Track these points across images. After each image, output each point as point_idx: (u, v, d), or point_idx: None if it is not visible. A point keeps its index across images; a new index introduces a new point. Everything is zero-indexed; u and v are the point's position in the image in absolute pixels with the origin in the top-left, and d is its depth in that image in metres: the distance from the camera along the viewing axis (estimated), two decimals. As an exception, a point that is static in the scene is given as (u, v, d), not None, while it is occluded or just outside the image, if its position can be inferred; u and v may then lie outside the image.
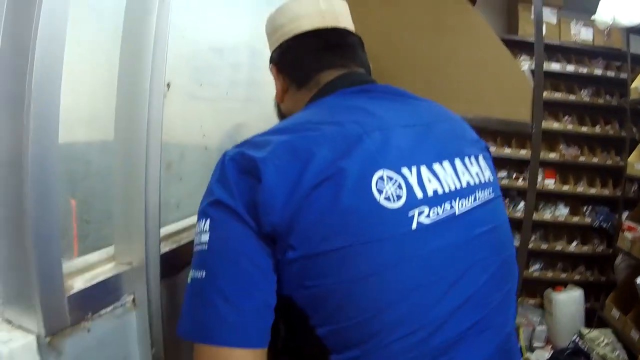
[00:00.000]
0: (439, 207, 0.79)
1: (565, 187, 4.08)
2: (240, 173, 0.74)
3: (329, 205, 0.71)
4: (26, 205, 0.65)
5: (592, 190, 4.09)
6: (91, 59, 0.94)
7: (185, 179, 1.24)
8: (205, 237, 0.74)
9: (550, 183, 4.12)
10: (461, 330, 0.77)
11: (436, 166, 0.82)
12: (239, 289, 0.71)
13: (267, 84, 1.13)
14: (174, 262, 1.03)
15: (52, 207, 0.68)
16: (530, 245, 4.09)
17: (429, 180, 0.79)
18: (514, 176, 4.15)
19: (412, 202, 0.76)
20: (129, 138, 0.86)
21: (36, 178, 0.65)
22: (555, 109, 4.12)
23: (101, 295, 0.83)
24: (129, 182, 0.87)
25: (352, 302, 0.72)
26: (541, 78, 2.04)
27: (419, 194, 0.77)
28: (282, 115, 1.10)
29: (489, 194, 0.91)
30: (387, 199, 0.74)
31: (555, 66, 4.02)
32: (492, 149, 4.07)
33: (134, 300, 0.90)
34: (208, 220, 0.74)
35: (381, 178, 0.74)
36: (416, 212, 0.76)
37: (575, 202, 4.23)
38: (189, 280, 0.76)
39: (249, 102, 1.64)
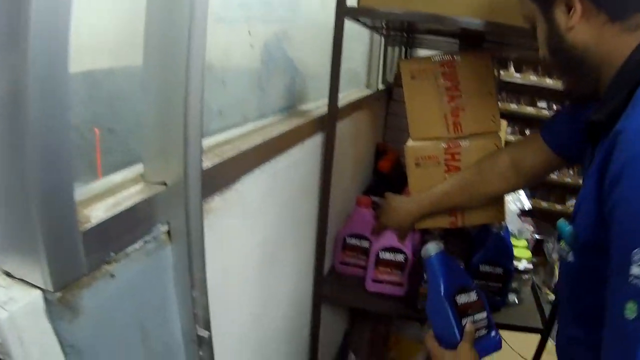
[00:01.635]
0: None
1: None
2: None
3: None
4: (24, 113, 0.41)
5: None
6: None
7: (229, 83, 0.99)
8: None
9: None
10: None
11: None
12: None
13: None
14: (217, 180, 0.80)
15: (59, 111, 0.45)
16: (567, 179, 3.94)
17: None
18: (554, 107, 3.94)
19: None
20: (166, 29, 0.60)
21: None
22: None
23: (127, 227, 0.60)
24: (165, 80, 0.63)
25: None
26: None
27: None
28: (564, 49, 0.79)
29: None
30: None
31: None
32: (533, 77, 3.81)
33: (169, 231, 0.68)
34: None
35: None
36: None
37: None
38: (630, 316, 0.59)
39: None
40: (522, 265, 1.59)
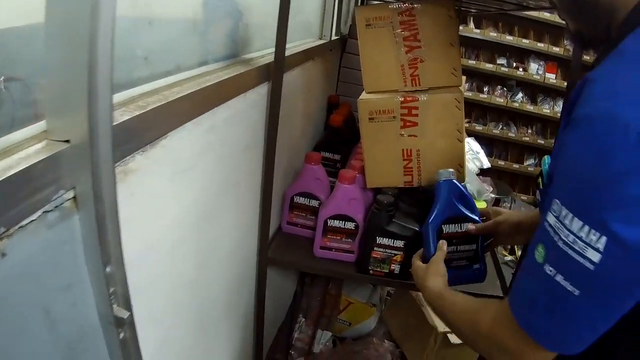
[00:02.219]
0: None
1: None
2: None
3: None
4: None
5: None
6: None
7: (157, 24, 0.86)
8: (595, 257, 0.58)
9: (551, 77, 3.84)
10: None
11: None
12: (608, 319, 0.61)
13: None
14: (138, 136, 0.69)
15: None
16: (526, 138, 3.95)
17: None
18: (513, 65, 3.88)
19: None
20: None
21: None
22: None
23: (21, 195, 0.49)
24: (67, 16, 0.50)
25: None
26: None
27: None
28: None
29: None
30: None
31: None
32: (493, 34, 3.74)
33: (75, 197, 0.57)
34: (606, 241, 0.57)
35: None
36: None
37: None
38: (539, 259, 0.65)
39: None
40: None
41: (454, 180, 1.25)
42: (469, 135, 3.99)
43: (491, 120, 4.07)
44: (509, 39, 3.77)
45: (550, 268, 0.62)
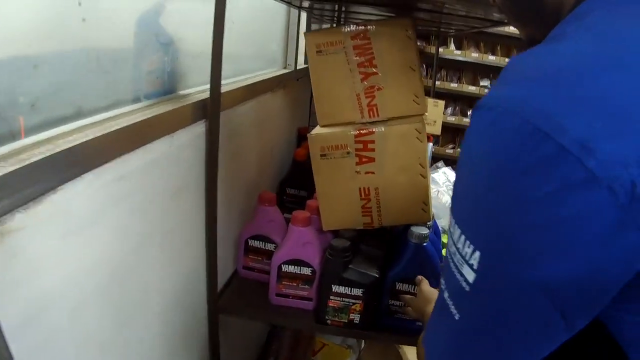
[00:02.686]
0: None
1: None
2: None
3: None
4: None
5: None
6: None
7: (42, 66, 0.75)
8: (470, 276, 0.47)
9: None
10: None
11: None
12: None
13: None
14: (15, 193, 0.60)
15: None
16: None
17: None
18: None
19: None
20: None
21: None
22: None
23: None
24: None
25: None
26: None
27: None
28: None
29: None
30: None
31: None
32: (475, 54, 3.74)
33: None
34: (479, 257, 0.46)
35: None
36: None
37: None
38: None
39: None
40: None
41: (425, 245, 1.18)
42: (453, 161, 3.91)
43: (478, 145, 3.96)
44: (491, 58, 3.71)
45: (442, 281, 0.53)
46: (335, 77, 1.24)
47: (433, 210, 1.35)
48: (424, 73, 3.78)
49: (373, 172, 1.22)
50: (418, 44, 1.43)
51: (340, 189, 1.25)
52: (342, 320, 1.26)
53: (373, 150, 1.21)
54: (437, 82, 3.67)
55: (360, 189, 1.24)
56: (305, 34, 1.26)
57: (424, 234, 1.19)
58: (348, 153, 1.21)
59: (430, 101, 2.38)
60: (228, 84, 1.35)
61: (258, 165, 1.66)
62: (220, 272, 1.30)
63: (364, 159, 1.21)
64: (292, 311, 1.32)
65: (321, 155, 1.23)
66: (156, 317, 1.05)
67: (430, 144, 2.33)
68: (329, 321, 1.27)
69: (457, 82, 3.80)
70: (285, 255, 1.28)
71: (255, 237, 1.40)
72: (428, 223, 1.26)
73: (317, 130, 1.25)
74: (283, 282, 1.30)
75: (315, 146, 1.23)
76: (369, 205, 1.25)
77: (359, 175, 1.23)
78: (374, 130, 1.20)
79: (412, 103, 1.24)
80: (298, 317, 1.32)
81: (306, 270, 1.28)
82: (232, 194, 1.38)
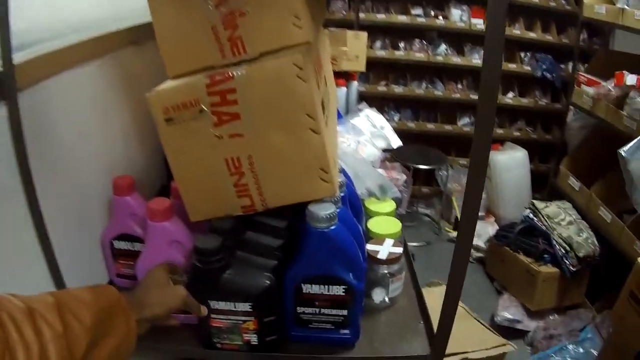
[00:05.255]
0: None
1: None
2: None
3: None
4: None
5: (531, 35, 3.34)
6: None
7: None
8: None
9: (478, 23, 3.31)
10: None
11: None
12: None
13: None
14: None
15: None
16: (456, 95, 3.47)
17: None
18: (432, 14, 3.36)
19: None
20: None
21: None
22: None
23: None
24: None
25: None
26: None
27: None
28: None
29: None
30: None
31: None
32: None
33: None
34: None
35: None
36: None
37: (511, 46, 3.46)
38: None
39: None
40: (384, 248, 1.05)
41: (333, 229, 0.83)
42: (387, 100, 3.47)
43: (412, 80, 3.55)
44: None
45: None
46: (181, 5, 0.84)
47: (341, 176, 0.97)
48: (344, 3, 3.30)
49: (241, 135, 0.84)
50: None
51: (200, 164, 0.87)
52: (235, 343, 0.91)
53: (235, 102, 0.81)
54: (362, 15, 3.29)
55: (227, 160, 0.86)
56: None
57: (329, 214, 0.82)
58: (201, 112, 0.82)
59: (351, 33, 2.15)
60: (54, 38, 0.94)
61: (124, 147, 1.23)
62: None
63: (224, 117, 0.83)
64: (177, 332, 0.97)
65: (166, 120, 0.84)
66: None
67: (355, 83, 2.11)
68: (219, 345, 0.92)
69: (384, 13, 3.30)
70: (148, 260, 0.92)
71: (119, 237, 1.04)
72: (334, 197, 0.88)
73: (160, 85, 0.86)
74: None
75: (156, 108, 0.84)
76: (244, 182, 0.87)
77: (221, 141, 0.84)
78: (231, 74, 0.80)
79: (293, 28, 0.84)
80: (184, 340, 0.96)
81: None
82: (81, 187, 1.01)
